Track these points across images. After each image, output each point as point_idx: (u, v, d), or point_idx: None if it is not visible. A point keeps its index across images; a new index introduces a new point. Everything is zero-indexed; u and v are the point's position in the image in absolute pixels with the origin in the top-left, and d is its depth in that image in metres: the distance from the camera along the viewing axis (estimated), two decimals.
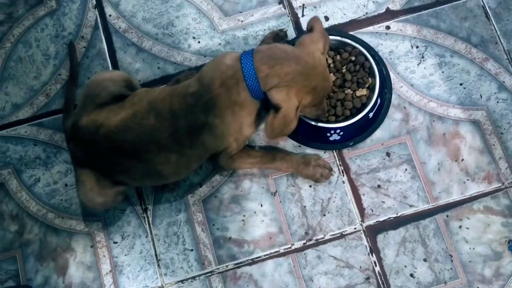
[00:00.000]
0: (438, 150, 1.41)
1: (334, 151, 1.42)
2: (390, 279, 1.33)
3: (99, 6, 1.56)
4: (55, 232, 1.39)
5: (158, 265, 1.36)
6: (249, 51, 1.20)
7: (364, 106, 1.38)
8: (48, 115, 1.47)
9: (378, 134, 1.42)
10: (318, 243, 1.36)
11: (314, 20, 1.26)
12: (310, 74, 1.18)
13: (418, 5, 1.53)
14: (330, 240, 1.36)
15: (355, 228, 1.36)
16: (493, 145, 1.41)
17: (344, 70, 1.42)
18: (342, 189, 1.39)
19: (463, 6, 1.52)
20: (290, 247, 1.36)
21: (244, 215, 1.38)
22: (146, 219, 1.39)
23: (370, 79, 1.40)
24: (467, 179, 1.39)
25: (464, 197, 1.38)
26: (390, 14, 1.53)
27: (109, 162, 1.24)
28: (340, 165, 1.41)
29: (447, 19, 1.51)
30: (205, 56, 1.50)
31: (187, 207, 1.39)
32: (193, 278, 1.35)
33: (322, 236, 1.36)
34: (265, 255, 1.36)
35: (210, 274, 1.35)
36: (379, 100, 1.39)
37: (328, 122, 1.37)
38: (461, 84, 1.46)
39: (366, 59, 1.41)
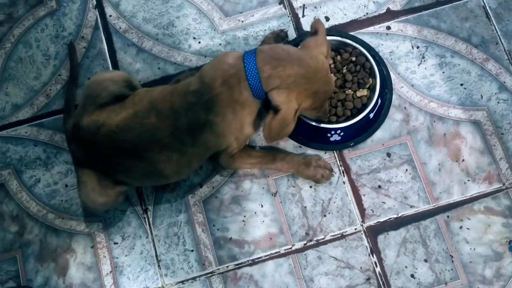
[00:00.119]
0: (438, 150, 1.41)
1: (334, 151, 1.42)
2: (390, 279, 1.33)
3: (99, 6, 1.56)
4: (56, 233, 1.39)
5: (159, 265, 1.36)
6: (252, 51, 1.20)
7: (364, 106, 1.38)
8: (49, 115, 1.47)
9: (379, 134, 1.42)
10: (318, 243, 1.36)
11: (318, 22, 1.26)
12: (312, 77, 1.18)
13: (419, 5, 1.53)
14: (330, 241, 1.36)
15: (355, 229, 1.36)
16: (494, 145, 1.41)
17: (344, 71, 1.42)
18: (343, 189, 1.39)
19: (463, 6, 1.52)
20: (290, 248, 1.36)
21: (245, 216, 1.38)
22: (146, 220, 1.39)
23: (370, 79, 1.40)
24: (468, 180, 1.39)
25: (464, 198, 1.38)
26: (390, 15, 1.53)
27: (111, 162, 1.24)
28: (340, 165, 1.41)
29: (447, 19, 1.51)
30: (205, 57, 1.50)
31: (187, 208, 1.39)
32: (194, 278, 1.35)
33: (322, 236, 1.36)
34: (265, 256, 1.36)
35: (210, 274, 1.35)
36: (379, 101, 1.39)
37: (328, 122, 1.37)
38: (461, 85, 1.46)
39: (367, 59, 1.41)
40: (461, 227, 1.36)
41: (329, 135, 1.38)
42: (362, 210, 1.38)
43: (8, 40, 1.54)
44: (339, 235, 1.36)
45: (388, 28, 1.51)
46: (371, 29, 1.51)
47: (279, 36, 1.47)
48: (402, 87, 1.46)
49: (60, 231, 1.39)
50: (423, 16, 1.52)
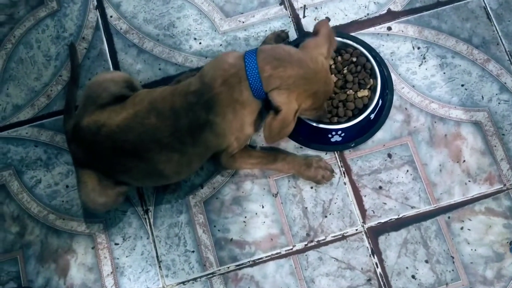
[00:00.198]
0: (439, 151, 1.41)
1: (335, 152, 1.42)
2: (391, 280, 1.33)
3: (100, 7, 1.56)
4: (56, 234, 1.39)
5: (160, 266, 1.36)
6: (252, 50, 1.20)
7: (365, 107, 1.38)
8: (49, 116, 1.47)
9: (380, 135, 1.42)
10: (319, 244, 1.36)
11: (322, 23, 1.26)
12: (312, 79, 1.19)
13: (420, 6, 1.53)
14: (331, 242, 1.36)
15: (356, 230, 1.36)
16: (495, 146, 1.41)
17: (345, 71, 1.42)
18: (344, 190, 1.39)
19: (464, 7, 1.52)
20: (291, 249, 1.36)
21: (245, 217, 1.38)
22: (147, 221, 1.39)
23: (371, 80, 1.40)
24: (469, 181, 1.39)
25: (465, 199, 1.38)
26: (391, 15, 1.52)
27: (111, 162, 1.25)
28: (341, 166, 1.41)
29: (448, 20, 1.51)
30: (206, 57, 1.50)
31: (188, 209, 1.39)
32: (195, 279, 1.35)
33: (323, 237, 1.36)
34: (266, 257, 1.36)
35: (211, 275, 1.35)
36: (380, 101, 1.39)
37: (329, 123, 1.37)
38: (462, 85, 1.46)
39: (368, 60, 1.41)
40: (462, 228, 1.36)
41: (330, 135, 1.38)
42: (363, 211, 1.37)
43: (9, 41, 1.54)
44: (340, 236, 1.36)
45: (389, 28, 1.51)
46: (371, 29, 1.51)
47: (280, 37, 1.47)
48: (403, 88, 1.46)
49: (61, 232, 1.39)
50: (424, 17, 1.52)
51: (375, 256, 1.35)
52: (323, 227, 1.37)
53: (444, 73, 1.47)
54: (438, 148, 1.41)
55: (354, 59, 1.42)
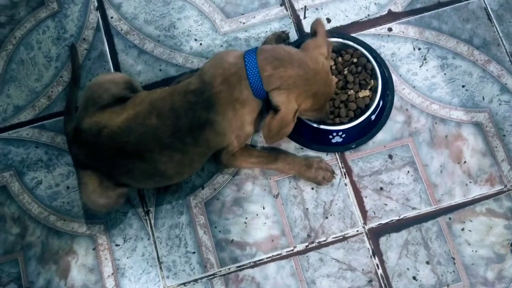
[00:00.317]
0: (440, 152, 1.41)
1: (336, 153, 1.42)
2: (392, 281, 1.33)
3: (101, 8, 1.56)
4: (57, 235, 1.39)
5: (160, 267, 1.36)
6: (252, 50, 1.21)
7: (366, 108, 1.38)
8: (50, 117, 1.47)
9: (380, 136, 1.42)
10: (320, 245, 1.36)
11: (317, 23, 1.26)
12: (312, 79, 1.19)
13: (420, 7, 1.53)
14: (332, 243, 1.36)
15: (357, 231, 1.36)
16: (496, 147, 1.41)
17: (346, 72, 1.42)
18: (344, 191, 1.39)
19: (465, 8, 1.52)
20: (292, 250, 1.36)
21: (246, 218, 1.38)
22: (148, 222, 1.39)
23: (372, 80, 1.40)
24: (470, 182, 1.39)
25: (466, 200, 1.38)
26: (392, 16, 1.52)
27: (112, 163, 1.25)
28: (342, 167, 1.41)
29: (449, 21, 1.51)
30: (206, 58, 1.50)
31: (189, 210, 1.39)
32: (195, 280, 1.35)
33: (324, 238, 1.36)
34: (267, 258, 1.35)
35: (212, 276, 1.35)
36: (381, 102, 1.39)
37: (330, 124, 1.37)
38: (463, 86, 1.46)
39: (368, 61, 1.41)
40: (463, 229, 1.36)
41: (330, 136, 1.38)
42: (364, 212, 1.37)
43: (10, 42, 1.54)
44: (341, 237, 1.36)
45: (390, 29, 1.51)
46: (372, 30, 1.51)
47: (280, 38, 1.47)
48: (404, 88, 1.46)
49: (62, 233, 1.39)
50: (424, 18, 1.52)
51: (376, 257, 1.35)
52: (324, 228, 1.37)
53: (445, 74, 1.47)
54: (439, 149, 1.41)
55: (355, 60, 1.42)
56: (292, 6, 1.55)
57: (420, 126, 1.43)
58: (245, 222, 1.38)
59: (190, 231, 1.38)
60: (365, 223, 1.37)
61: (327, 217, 1.37)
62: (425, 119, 1.43)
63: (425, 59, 1.48)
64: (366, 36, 1.51)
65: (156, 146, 1.21)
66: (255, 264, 1.35)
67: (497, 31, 1.50)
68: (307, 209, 1.38)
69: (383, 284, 1.33)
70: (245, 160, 1.33)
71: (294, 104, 1.19)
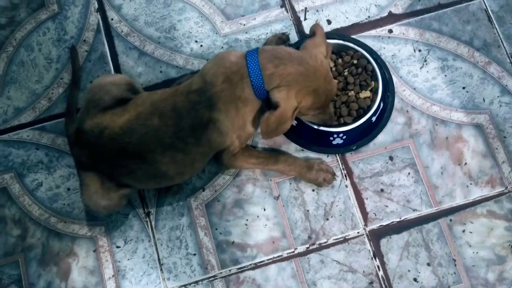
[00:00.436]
0: (441, 154, 1.41)
1: (337, 155, 1.42)
2: (393, 283, 1.33)
3: (101, 9, 1.56)
4: (58, 237, 1.39)
5: (161, 269, 1.36)
6: (254, 50, 1.21)
7: (367, 110, 1.38)
8: (51, 119, 1.47)
9: (381, 138, 1.42)
10: (321, 247, 1.36)
11: (316, 25, 1.28)
12: (311, 75, 1.19)
13: (421, 8, 1.53)
14: (333, 245, 1.36)
15: (358, 232, 1.36)
16: (496, 149, 1.41)
17: (346, 73, 1.42)
18: (345, 193, 1.39)
19: (465, 9, 1.52)
20: (293, 252, 1.36)
21: (247, 219, 1.38)
22: (148, 223, 1.39)
23: (372, 82, 1.40)
24: (470, 183, 1.39)
25: (467, 201, 1.38)
26: (392, 18, 1.53)
27: (114, 164, 1.25)
28: (343, 169, 1.41)
29: (449, 22, 1.51)
30: (207, 60, 1.50)
31: (189, 211, 1.39)
32: (196, 282, 1.35)
33: (325, 240, 1.36)
34: (268, 260, 1.35)
35: (213, 278, 1.35)
36: (382, 104, 1.39)
37: (331, 125, 1.37)
38: (463, 88, 1.46)
39: (369, 62, 1.41)
40: (463, 231, 1.36)
41: (331, 138, 1.38)
42: (364, 213, 1.37)
43: (10, 44, 1.54)
44: (342, 239, 1.36)
45: (390, 31, 1.51)
46: (373, 32, 1.51)
47: (281, 39, 1.48)
48: (404, 90, 1.46)
49: (63, 235, 1.39)
50: (425, 19, 1.52)
51: (376, 259, 1.35)
52: (325, 230, 1.37)
53: (445, 75, 1.47)
54: (439, 150, 1.41)
55: (355, 61, 1.42)
56: (292, 7, 1.55)
57: (421, 128, 1.43)
58: (245, 224, 1.38)
59: (190, 233, 1.38)
60: (366, 225, 1.37)
61: (327, 219, 1.37)
62: (426, 121, 1.43)
63: (425, 60, 1.48)
64: (367, 37, 1.51)
65: (158, 146, 1.21)
66: (256, 266, 1.35)
67: (498, 32, 1.50)
68: (307, 210, 1.38)
69: (384, 286, 1.33)
70: (245, 160, 1.33)
71: (293, 101, 1.19)
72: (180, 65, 1.50)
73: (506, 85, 1.46)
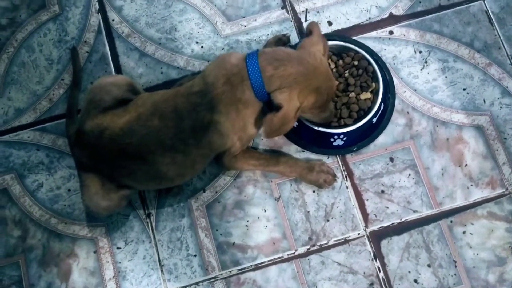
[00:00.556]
0: (441, 155, 1.41)
1: (337, 156, 1.42)
2: (394, 285, 1.33)
3: (102, 10, 1.56)
4: (58, 238, 1.39)
5: (162, 270, 1.36)
6: (254, 52, 1.21)
7: (367, 111, 1.38)
8: (51, 120, 1.47)
9: (382, 139, 1.42)
10: (321, 248, 1.36)
11: (312, 24, 1.28)
12: (312, 74, 1.19)
13: (421, 10, 1.53)
14: (333, 246, 1.36)
15: (358, 234, 1.36)
16: (497, 150, 1.41)
17: (346, 75, 1.42)
18: (346, 194, 1.39)
19: (466, 11, 1.52)
20: (293, 253, 1.36)
21: (248, 221, 1.38)
22: (149, 225, 1.39)
23: (373, 83, 1.40)
24: (471, 185, 1.39)
25: (468, 203, 1.38)
26: (393, 19, 1.53)
27: (114, 165, 1.25)
28: (343, 170, 1.41)
29: (450, 24, 1.51)
30: (208, 61, 1.50)
31: (190, 212, 1.39)
32: (197, 283, 1.35)
33: (325, 241, 1.36)
34: (268, 261, 1.35)
35: (213, 279, 1.35)
36: (382, 105, 1.39)
37: (332, 127, 1.37)
38: (464, 89, 1.46)
39: (369, 63, 1.41)
40: (464, 232, 1.36)
41: (332, 139, 1.38)
42: (365, 215, 1.37)
43: (11, 45, 1.54)
44: (342, 240, 1.36)
45: (391, 32, 1.51)
46: (373, 33, 1.51)
47: (281, 41, 1.48)
48: (405, 91, 1.46)
49: (63, 236, 1.39)
50: (425, 21, 1.52)
51: (377, 260, 1.35)
52: (326, 231, 1.37)
53: (446, 77, 1.47)
54: (440, 152, 1.41)
55: (356, 63, 1.42)
56: (293, 9, 1.55)
57: (421, 129, 1.43)
58: (246, 225, 1.38)
59: (191, 234, 1.38)
60: (366, 226, 1.37)
61: (328, 220, 1.37)
62: (426, 122, 1.43)
63: (426, 62, 1.48)
64: (367, 39, 1.51)
65: (158, 147, 1.21)
66: (257, 267, 1.35)
67: (498, 34, 1.50)
68: (308, 212, 1.38)
69: (384, 287, 1.32)
70: (246, 162, 1.33)
71: (296, 102, 1.19)
72: (181, 66, 1.50)
73: (507, 87, 1.46)
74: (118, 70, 1.51)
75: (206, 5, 1.56)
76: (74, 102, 1.43)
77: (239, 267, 1.35)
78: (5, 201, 1.41)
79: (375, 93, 1.40)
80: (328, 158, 1.42)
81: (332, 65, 1.43)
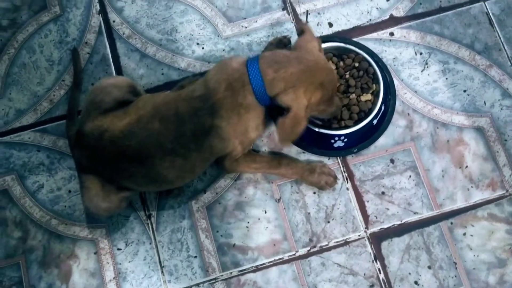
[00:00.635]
0: (442, 157, 1.41)
1: (338, 157, 1.42)
2: (394, 286, 1.33)
3: (103, 12, 1.56)
4: (59, 239, 1.39)
5: (162, 272, 1.36)
6: (254, 57, 1.21)
7: (368, 112, 1.38)
8: (52, 121, 1.47)
9: (382, 140, 1.42)
10: (322, 250, 1.36)
11: (301, 25, 1.30)
12: (313, 70, 1.19)
13: (422, 11, 1.53)
14: (334, 247, 1.36)
15: (359, 235, 1.36)
16: (497, 152, 1.41)
17: (347, 76, 1.42)
18: (346, 195, 1.39)
19: (467, 12, 1.52)
20: (294, 254, 1.36)
21: (248, 222, 1.38)
22: (150, 226, 1.39)
23: (374, 85, 1.41)
24: (471, 186, 1.39)
25: (468, 204, 1.38)
26: (393, 21, 1.53)
27: (114, 167, 1.24)
28: (344, 171, 1.41)
29: (451, 25, 1.52)
30: (209, 62, 1.50)
31: (191, 214, 1.39)
32: (197, 285, 1.35)
33: (326, 243, 1.36)
34: (269, 262, 1.35)
35: (214, 281, 1.35)
36: (383, 107, 1.40)
37: (333, 128, 1.37)
38: (465, 91, 1.46)
39: (370, 65, 1.41)
40: (464, 234, 1.36)
41: (332, 141, 1.38)
42: (365, 216, 1.37)
43: (12, 46, 1.54)
44: (343, 242, 1.36)
45: (391, 34, 1.52)
46: (374, 35, 1.51)
47: (282, 42, 1.48)
48: (406, 93, 1.46)
49: (64, 237, 1.39)
50: (426, 23, 1.52)
51: (377, 262, 1.35)
52: (326, 232, 1.37)
53: (447, 78, 1.47)
54: (440, 153, 1.41)
55: (356, 64, 1.43)
56: (294, 10, 1.55)
57: (422, 131, 1.43)
58: (247, 227, 1.38)
59: (192, 235, 1.38)
60: (367, 228, 1.37)
61: (329, 222, 1.37)
62: (427, 124, 1.43)
63: (426, 63, 1.49)
64: (368, 40, 1.51)
65: (158, 151, 1.21)
66: (257, 269, 1.35)
67: (499, 36, 1.50)
68: (309, 213, 1.38)
69: None
70: (248, 165, 1.33)
71: (303, 100, 1.19)
72: (182, 68, 1.50)
73: (507, 88, 1.46)
74: (119, 71, 1.51)
75: (207, 7, 1.56)
76: (74, 103, 1.43)
77: (240, 269, 1.35)
78: (6, 202, 1.41)
79: (375, 94, 1.40)
80: (328, 159, 1.42)
81: (333, 67, 1.43)
